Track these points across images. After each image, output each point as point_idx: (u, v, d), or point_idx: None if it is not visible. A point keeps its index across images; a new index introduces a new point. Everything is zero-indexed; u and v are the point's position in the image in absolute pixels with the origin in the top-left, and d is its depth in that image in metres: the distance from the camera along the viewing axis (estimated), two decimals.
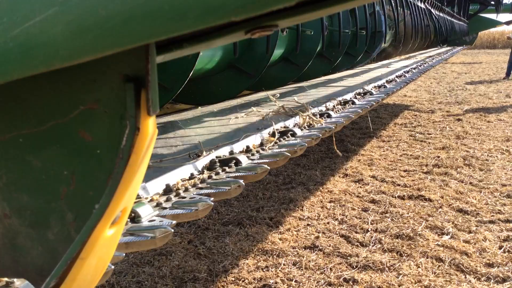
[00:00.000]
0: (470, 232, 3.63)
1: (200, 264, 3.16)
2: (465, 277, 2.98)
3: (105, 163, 0.59)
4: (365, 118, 7.81)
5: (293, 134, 1.92)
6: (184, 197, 1.21)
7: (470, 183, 4.81)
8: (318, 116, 2.35)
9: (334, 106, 2.80)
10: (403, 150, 6.17)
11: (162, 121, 2.53)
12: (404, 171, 5.24)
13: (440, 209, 4.08)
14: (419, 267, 3.10)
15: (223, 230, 3.71)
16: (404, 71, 5.15)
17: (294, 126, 2.10)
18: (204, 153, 1.59)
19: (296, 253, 3.30)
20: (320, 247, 3.37)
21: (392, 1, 6.69)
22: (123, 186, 0.57)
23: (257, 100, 3.44)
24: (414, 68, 5.50)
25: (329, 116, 2.38)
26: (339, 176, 5.07)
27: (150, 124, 0.57)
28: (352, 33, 5.90)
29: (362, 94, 3.51)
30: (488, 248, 3.34)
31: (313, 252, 3.32)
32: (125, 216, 0.63)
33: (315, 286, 2.90)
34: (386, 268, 3.07)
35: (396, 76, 4.65)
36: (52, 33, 0.49)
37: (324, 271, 3.07)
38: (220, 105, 3.23)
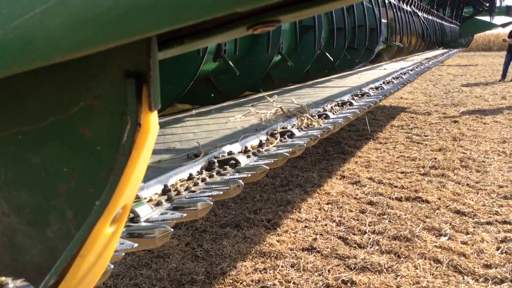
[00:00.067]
0: (467, 233, 3.64)
1: (198, 267, 3.15)
2: (463, 278, 2.98)
3: (106, 159, 0.58)
4: (362, 121, 7.82)
5: (292, 135, 1.92)
6: (183, 197, 1.21)
7: (467, 184, 4.81)
8: (316, 117, 2.35)
9: (332, 107, 2.80)
10: (400, 152, 6.17)
11: (160, 121, 2.52)
12: (401, 172, 5.24)
13: (437, 211, 4.08)
14: (417, 268, 3.10)
15: (220, 232, 3.70)
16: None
17: (292, 127, 2.10)
18: (203, 153, 1.59)
19: (294, 255, 3.29)
20: (318, 249, 3.36)
21: (373, 3, 6.62)
22: (123, 182, 0.56)
23: (255, 102, 3.44)
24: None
25: (327, 117, 2.38)
26: (337, 178, 5.07)
27: (151, 120, 0.56)
28: (351, 30, 5.93)
29: (360, 95, 3.51)
30: (485, 249, 3.34)
31: (311, 254, 3.32)
32: (126, 213, 0.62)
33: None
34: (384, 270, 3.07)
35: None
36: (53, 24, 0.48)
37: (322, 273, 3.06)
38: (218, 107, 3.22)
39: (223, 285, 2.95)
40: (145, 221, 1.04)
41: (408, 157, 5.91)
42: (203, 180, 1.36)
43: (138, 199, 1.19)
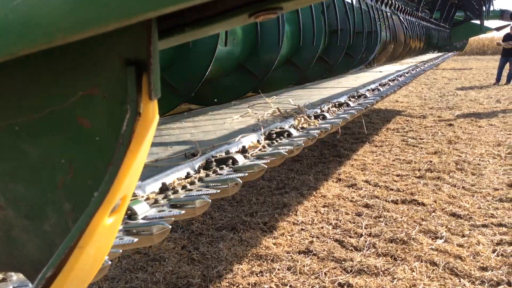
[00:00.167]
0: (463, 236, 3.64)
1: (194, 270, 3.14)
2: (460, 281, 2.97)
3: (105, 150, 0.57)
4: (358, 123, 7.83)
5: (289, 135, 1.91)
6: (181, 195, 1.20)
7: (463, 187, 4.82)
8: (313, 117, 2.35)
9: (329, 108, 2.80)
10: (396, 155, 6.18)
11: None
12: (397, 175, 5.24)
13: (433, 213, 4.08)
14: (413, 271, 3.09)
15: (217, 235, 3.68)
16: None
17: (289, 127, 2.10)
18: (200, 153, 1.58)
19: (290, 258, 3.28)
20: (315, 252, 3.35)
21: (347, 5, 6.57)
22: (123, 172, 0.55)
23: (252, 102, 3.43)
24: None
25: (324, 117, 2.38)
26: (333, 181, 5.07)
27: (151, 109, 0.55)
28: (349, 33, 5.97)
29: (357, 97, 3.52)
30: (481, 252, 3.34)
31: (308, 256, 3.31)
32: (125, 204, 0.61)
33: None
34: (381, 272, 3.06)
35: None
36: (53, 3, 0.47)
37: (319, 275, 3.05)
38: (215, 107, 3.22)
39: None
40: (142, 219, 1.03)
41: (403, 160, 5.92)
42: (201, 178, 1.35)
43: (135, 197, 1.18)
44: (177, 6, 0.45)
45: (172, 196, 1.20)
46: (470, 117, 9.00)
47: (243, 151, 1.63)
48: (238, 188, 1.26)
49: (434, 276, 3.02)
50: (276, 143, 1.79)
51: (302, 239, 3.59)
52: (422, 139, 7.15)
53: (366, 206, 4.29)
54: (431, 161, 5.75)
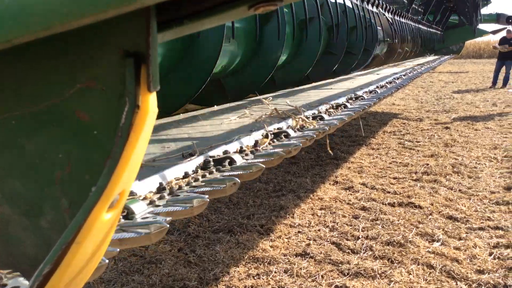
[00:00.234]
0: (460, 239, 3.64)
1: (191, 272, 3.12)
2: (456, 284, 2.97)
3: (103, 144, 0.56)
4: (355, 126, 7.84)
5: (287, 135, 1.91)
6: (178, 195, 1.19)
7: (459, 190, 4.83)
8: (310, 118, 2.35)
9: (326, 109, 2.80)
10: (393, 158, 6.19)
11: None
12: (394, 178, 5.25)
13: (430, 216, 4.08)
14: (410, 274, 3.09)
15: (213, 237, 3.67)
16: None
17: (287, 127, 2.09)
18: (198, 153, 1.57)
19: (287, 260, 3.27)
20: (312, 255, 3.35)
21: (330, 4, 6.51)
22: (121, 166, 0.54)
23: (250, 103, 3.43)
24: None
25: (322, 118, 2.38)
26: (329, 184, 5.07)
27: (150, 101, 0.54)
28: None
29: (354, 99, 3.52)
30: (478, 255, 3.34)
31: (304, 259, 3.30)
32: (123, 199, 0.60)
33: None
34: (378, 275, 3.06)
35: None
36: None
37: (316, 278, 3.04)
38: (212, 109, 3.21)
39: None
40: (140, 218, 1.02)
41: (400, 162, 5.93)
42: (199, 178, 1.34)
43: (132, 196, 1.16)
44: None
45: (169, 196, 1.19)
46: (466, 120, 9.02)
47: (241, 151, 1.62)
48: (236, 187, 1.25)
49: (431, 279, 3.02)
50: (274, 143, 1.78)
51: (299, 241, 3.58)
52: (419, 142, 7.17)
53: (363, 208, 4.28)
54: (427, 164, 5.76)
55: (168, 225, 0.95)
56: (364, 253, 3.38)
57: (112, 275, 3.12)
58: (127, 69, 0.53)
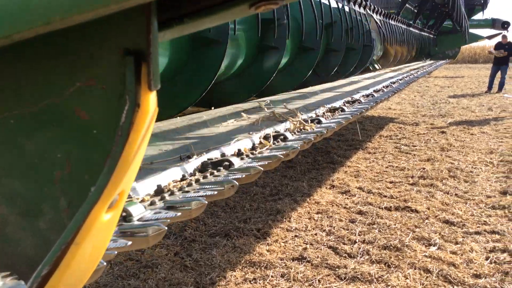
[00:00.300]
0: (457, 243, 3.64)
1: (187, 277, 3.11)
2: None
3: (103, 143, 0.55)
4: (351, 130, 7.85)
5: (285, 138, 1.90)
6: (176, 197, 1.18)
7: (456, 194, 4.83)
8: (308, 121, 2.34)
9: (324, 112, 2.80)
10: (389, 162, 6.19)
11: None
12: (390, 182, 5.25)
13: (426, 220, 4.08)
14: (407, 278, 3.08)
15: (210, 241, 3.65)
16: None
17: (285, 131, 2.09)
18: (195, 155, 1.56)
19: (284, 264, 3.26)
20: (308, 259, 3.34)
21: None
22: (121, 166, 0.54)
23: (247, 107, 3.42)
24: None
25: (319, 122, 2.38)
26: (326, 188, 5.06)
27: (151, 100, 0.54)
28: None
29: (351, 102, 3.53)
30: (475, 259, 3.34)
31: (301, 263, 3.29)
32: (123, 200, 0.59)
33: None
34: (375, 280, 3.05)
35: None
36: None
37: (313, 282, 3.03)
38: (209, 112, 3.21)
39: None
40: (138, 220, 1.02)
41: (397, 167, 5.93)
42: (197, 180, 1.34)
43: (130, 198, 1.16)
44: None
45: (167, 198, 1.18)
46: (462, 125, 9.05)
47: (239, 154, 1.62)
48: (234, 190, 1.24)
49: (427, 283, 3.01)
50: (271, 146, 1.78)
51: (295, 245, 3.57)
52: (415, 146, 7.18)
53: (360, 213, 4.28)
54: (424, 168, 5.77)
55: (165, 228, 0.94)
56: (361, 257, 3.37)
57: (108, 279, 3.10)
58: (128, 67, 0.52)
